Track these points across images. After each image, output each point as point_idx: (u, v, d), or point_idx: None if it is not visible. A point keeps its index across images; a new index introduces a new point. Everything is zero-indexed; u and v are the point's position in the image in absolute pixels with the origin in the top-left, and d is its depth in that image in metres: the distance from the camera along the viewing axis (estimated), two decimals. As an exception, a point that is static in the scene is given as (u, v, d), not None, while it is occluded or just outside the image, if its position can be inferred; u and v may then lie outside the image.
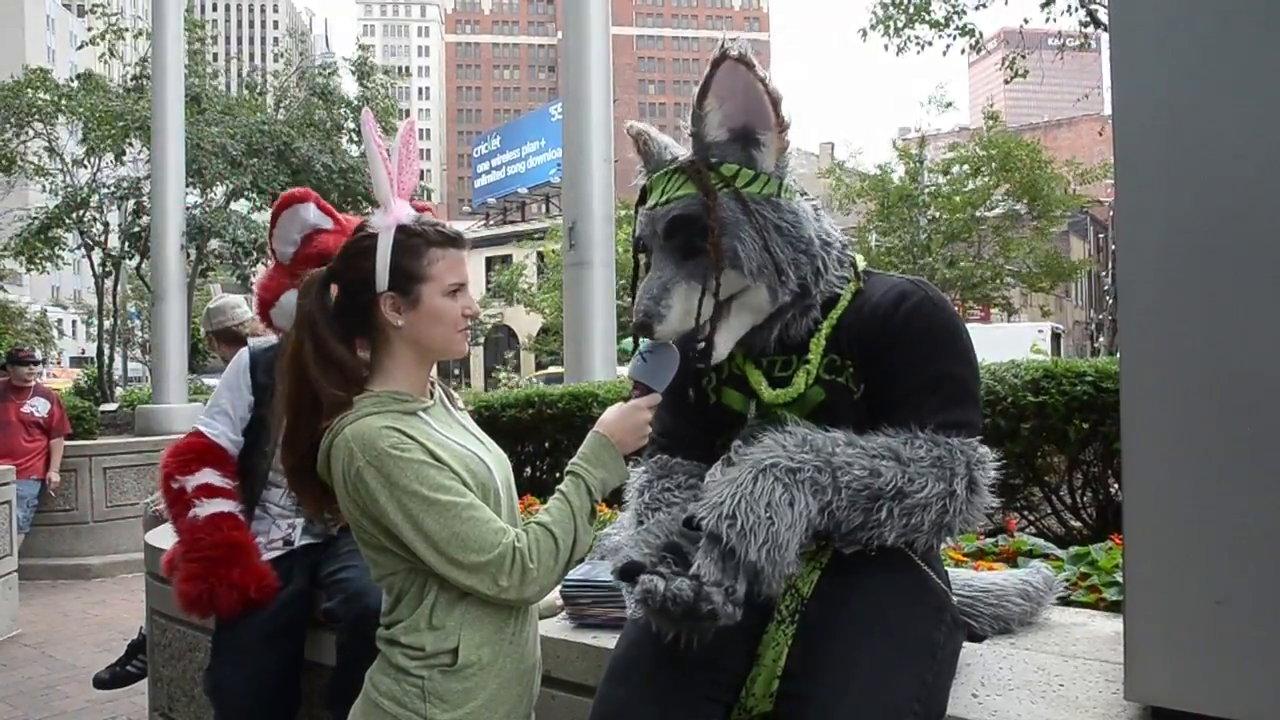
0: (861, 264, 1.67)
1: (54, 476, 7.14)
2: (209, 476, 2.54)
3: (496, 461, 1.68)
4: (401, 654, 1.55)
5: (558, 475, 1.66)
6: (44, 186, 13.16)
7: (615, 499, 1.85)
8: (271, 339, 2.76)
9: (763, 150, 1.57)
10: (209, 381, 13.01)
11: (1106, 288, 38.00)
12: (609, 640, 1.88)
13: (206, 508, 2.48)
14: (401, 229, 1.61)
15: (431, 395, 1.69)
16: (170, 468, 2.58)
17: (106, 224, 13.17)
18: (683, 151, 1.65)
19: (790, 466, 1.40)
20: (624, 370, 1.73)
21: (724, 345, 1.60)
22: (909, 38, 11.86)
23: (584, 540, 1.59)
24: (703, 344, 1.58)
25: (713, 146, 1.58)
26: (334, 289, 1.64)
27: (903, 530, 1.42)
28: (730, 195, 1.55)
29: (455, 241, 1.66)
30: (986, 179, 25.72)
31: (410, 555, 1.51)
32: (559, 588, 2.06)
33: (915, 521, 1.42)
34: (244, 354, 2.74)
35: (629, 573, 1.45)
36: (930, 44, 11.87)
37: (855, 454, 1.42)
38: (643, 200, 1.67)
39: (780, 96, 1.54)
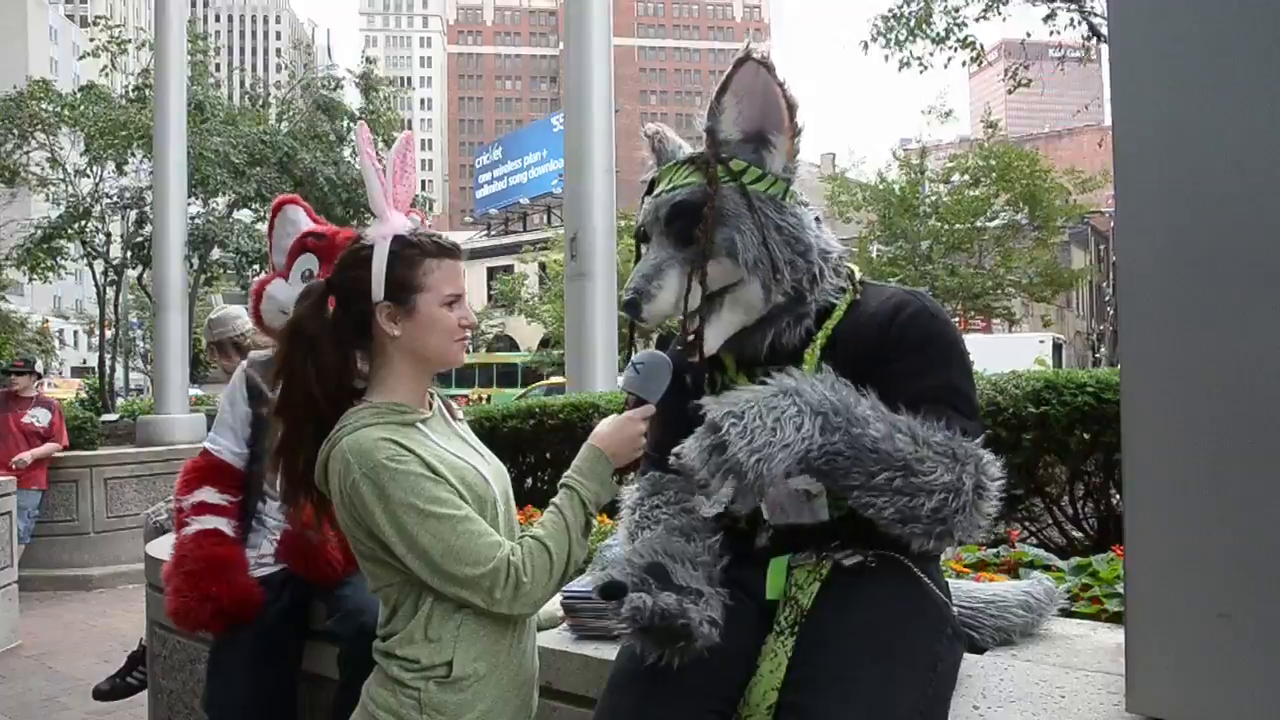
0: (858, 275, 1.68)
1: (26, 457, 6.93)
2: (205, 495, 2.57)
3: (494, 473, 1.68)
4: (397, 666, 1.55)
5: (559, 486, 1.66)
6: (47, 196, 13.16)
7: (612, 510, 1.85)
8: (269, 351, 2.79)
9: (773, 152, 1.60)
10: (194, 392, 12.95)
11: (1108, 298, 38.01)
12: (610, 652, 1.87)
13: (195, 525, 2.52)
14: (398, 239, 1.62)
15: (430, 406, 1.69)
16: (177, 488, 2.64)
17: (109, 234, 13.17)
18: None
19: (812, 398, 1.39)
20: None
21: (713, 340, 1.59)
22: (910, 51, 11.88)
23: (578, 554, 1.59)
24: (691, 337, 1.59)
25: (725, 144, 1.60)
26: (331, 301, 1.64)
27: (900, 510, 1.38)
28: (735, 189, 1.56)
29: (451, 252, 1.67)
30: (987, 188, 25.75)
31: (405, 568, 1.51)
32: (560, 599, 2.06)
33: (915, 504, 1.37)
34: (241, 366, 2.77)
35: (610, 592, 1.46)
36: (931, 56, 11.90)
37: (875, 416, 1.40)
38: (650, 191, 1.69)
39: (796, 103, 1.57)
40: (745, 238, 1.54)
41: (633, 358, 1.68)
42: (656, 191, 1.65)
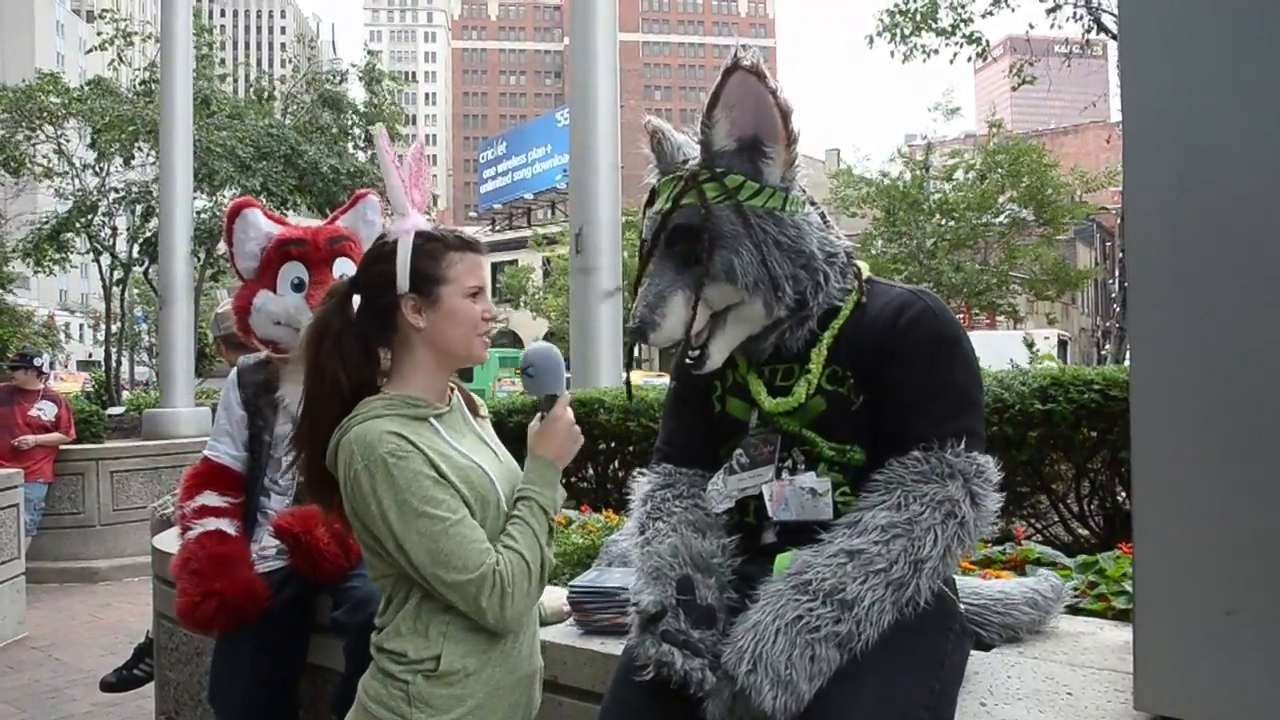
0: (866, 273, 1.67)
1: (29, 439, 6.93)
2: (206, 498, 2.61)
3: (504, 473, 1.68)
4: (388, 659, 1.57)
5: (566, 481, 1.67)
6: (55, 191, 13.16)
7: (600, 501, 1.85)
8: (259, 354, 2.82)
9: (769, 162, 1.58)
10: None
11: (1114, 295, 37.91)
12: (616, 646, 1.88)
13: (198, 528, 2.56)
14: (420, 233, 1.65)
15: (449, 402, 1.70)
16: (179, 495, 2.69)
17: (115, 228, 13.17)
18: (697, 154, 1.65)
19: (810, 624, 1.37)
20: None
21: (718, 355, 1.62)
22: (915, 45, 11.85)
23: (549, 561, 1.61)
24: (697, 352, 1.60)
25: (720, 156, 1.59)
26: (356, 299, 1.67)
27: (931, 582, 1.43)
28: (731, 208, 1.55)
29: (473, 246, 1.70)
30: (993, 184, 25.65)
31: (397, 562, 1.53)
32: (567, 594, 2.07)
33: (940, 567, 1.43)
34: (233, 372, 2.81)
35: (652, 620, 1.47)
36: (937, 52, 11.86)
37: (864, 569, 1.39)
38: (651, 202, 1.69)
39: (790, 109, 1.55)
40: (743, 260, 1.54)
41: (521, 361, 1.71)
42: (656, 206, 1.65)
